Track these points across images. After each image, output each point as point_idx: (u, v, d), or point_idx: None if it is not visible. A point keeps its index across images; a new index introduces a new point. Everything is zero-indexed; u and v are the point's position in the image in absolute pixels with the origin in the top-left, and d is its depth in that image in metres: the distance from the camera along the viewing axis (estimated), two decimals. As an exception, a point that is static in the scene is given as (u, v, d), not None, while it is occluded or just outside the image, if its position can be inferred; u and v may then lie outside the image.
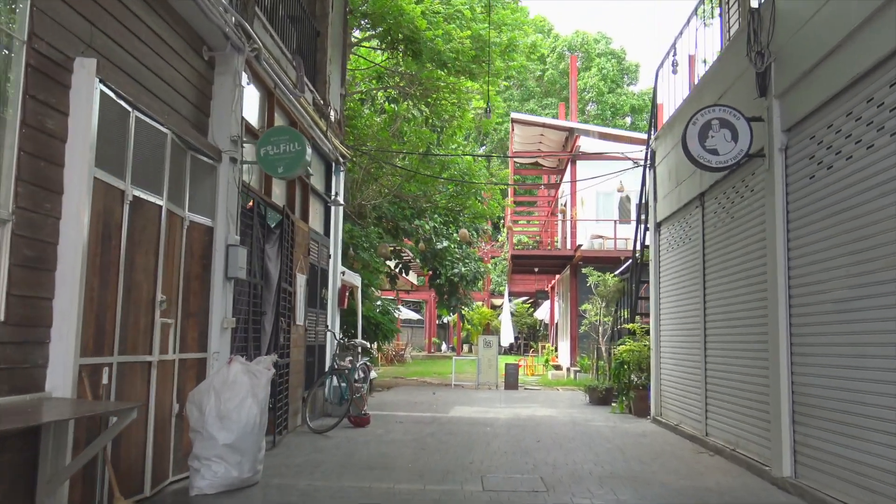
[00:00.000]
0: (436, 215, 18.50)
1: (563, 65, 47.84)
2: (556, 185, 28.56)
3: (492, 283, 44.56)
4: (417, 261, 19.36)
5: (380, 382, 19.66)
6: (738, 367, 7.82)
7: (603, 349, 20.47)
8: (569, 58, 50.66)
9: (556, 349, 28.29)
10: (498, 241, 38.96)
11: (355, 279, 12.79)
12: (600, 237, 22.37)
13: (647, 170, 11.38)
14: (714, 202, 8.70)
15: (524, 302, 40.85)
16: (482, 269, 18.36)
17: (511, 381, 17.42)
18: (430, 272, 18.75)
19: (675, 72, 10.40)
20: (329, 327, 11.02)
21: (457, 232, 18.72)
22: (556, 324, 32.97)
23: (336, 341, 10.87)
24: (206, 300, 6.54)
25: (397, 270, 19.05)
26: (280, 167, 6.96)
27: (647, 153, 11.83)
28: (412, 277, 27.67)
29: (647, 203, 11.52)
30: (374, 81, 16.64)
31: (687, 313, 9.36)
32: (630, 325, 10.98)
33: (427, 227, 17.44)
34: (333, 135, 10.78)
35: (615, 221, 22.09)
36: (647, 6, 77.95)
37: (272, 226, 8.46)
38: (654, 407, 10.42)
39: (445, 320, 45.48)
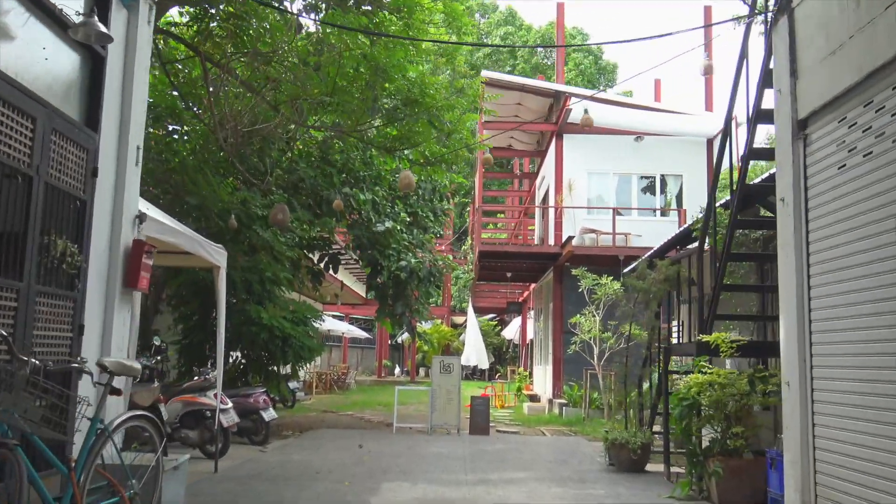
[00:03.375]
0: (377, 187, 13.17)
1: (535, 59, 43.35)
2: (533, 175, 23.52)
3: (452, 299, 39.32)
4: (351, 254, 14.01)
5: (294, 421, 14.07)
6: None
7: (600, 377, 15.36)
8: (540, 53, 46.44)
9: (531, 375, 23.05)
10: (461, 249, 33.80)
11: (210, 251, 7.36)
12: (593, 231, 17.32)
13: (769, 25, 6.07)
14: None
15: (490, 319, 35.63)
16: (440, 263, 13.09)
17: (479, 423, 12.08)
18: (368, 267, 13.42)
19: None
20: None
21: (406, 211, 13.39)
22: (530, 343, 27.76)
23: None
24: None
25: (321, 265, 13.63)
26: None
27: None
28: (355, 285, 22.14)
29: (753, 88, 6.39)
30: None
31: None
32: (707, 338, 5.77)
33: (362, 197, 12.10)
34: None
35: (613, 210, 17.07)
36: (625, 8, 74.74)
37: None
38: (795, 495, 5.16)
39: (399, 340, 39.88)
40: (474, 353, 23.68)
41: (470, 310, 24.78)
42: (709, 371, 5.85)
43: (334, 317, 33.51)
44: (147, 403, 7.37)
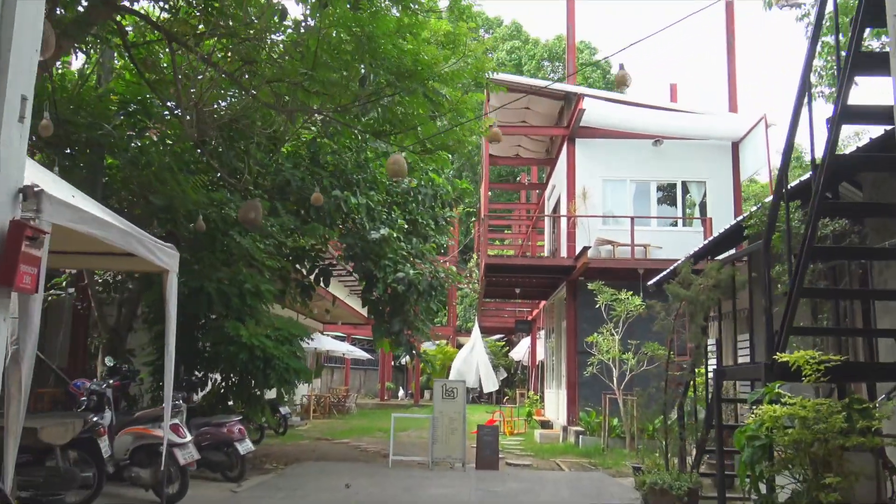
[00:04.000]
0: (371, 192, 11.89)
1: (542, 73, 42.38)
2: (542, 186, 22.22)
3: (458, 318, 37.87)
4: (344, 266, 12.71)
5: (282, 451, 12.67)
6: None
7: (620, 402, 13.90)
8: (546, 67, 45.47)
9: (542, 399, 21.56)
10: (466, 267, 32.44)
11: (154, 250, 6.04)
12: (609, 243, 15.96)
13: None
14: None
15: (498, 340, 34.14)
16: (441, 275, 11.72)
17: (487, 456, 10.63)
18: (363, 280, 12.09)
19: None
20: None
21: (404, 218, 12.06)
22: (540, 365, 26.27)
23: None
24: None
25: (311, 278, 12.30)
26: None
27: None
28: (353, 301, 20.76)
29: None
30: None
31: None
32: (786, 358, 4.40)
33: (354, 201, 10.79)
34: None
35: (632, 220, 15.71)
36: (633, 22, 73.91)
37: None
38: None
39: (403, 362, 38.39)
40: (481, 374, 22.22)
41: (476, 328, 23.35)
42: (789, 401, 4.48)
43: (336, 337, 32.15)
44: (61, 441, 6.00)
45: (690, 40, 67.13)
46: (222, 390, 11.19)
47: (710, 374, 6.91)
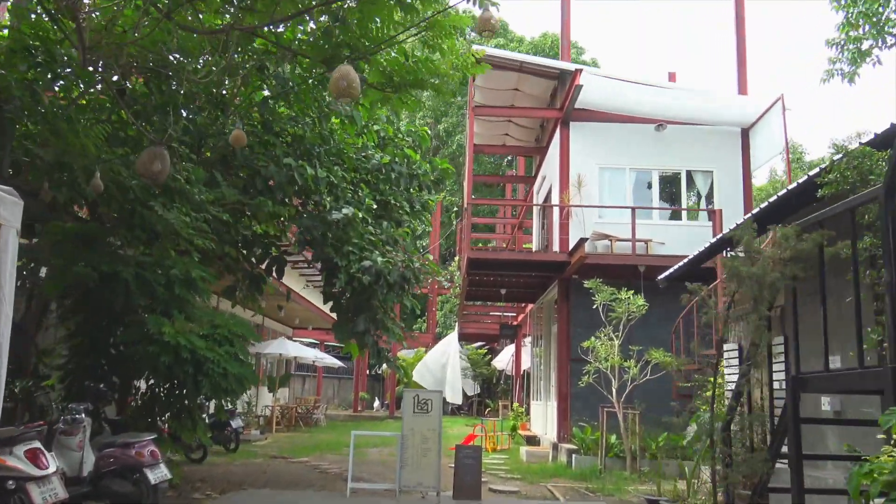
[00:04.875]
0: (335, 167, 10.02)
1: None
2: (530, 179, 20.46)
3: (438, 325, 35.94)
4: (300, 254, 10.78)
5: (224, 473, 10.70)
6: None
7: (620, 416, 12.08)
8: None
9: (528, 412, 19.71)
10: (447, 271, 30.52)
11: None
12: (607, 237, 14.23)
13: None
14: None
15: (479, 347, 32.28)
16: (416, 265, 9.80)
17: (467, 483, 8.71)
18: (322, 269, 10.22)
19: None
20: None
21: (372, 197, 10.17)
22: (525, 375, 24.44)
23: None
24: None
25: (263, 267, 10.38)
26: None
27: None
28: (316, 298, 18.66)
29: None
30: None
31: None
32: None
33: (310, 172, 8.90)
34: None
35: (633, 211, 13.97)
36: (620, 21, 72.86)
37: None
38: None
39: (379, 371, 36.32)
40: (454, 387, 20.34)
41: (454, 333, 21.48)
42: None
43: (308, 344, 30.06)
44: None
45: (691, 25, 65.19)
46: (142, 402, 9.22)
47: (775, 384, 5.12)
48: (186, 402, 9.22)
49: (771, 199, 4.85)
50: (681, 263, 9.79)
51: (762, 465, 4.74)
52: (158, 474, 7.17)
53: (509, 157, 36.88)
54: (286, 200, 9.35)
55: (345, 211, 9.22)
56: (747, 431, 5.27)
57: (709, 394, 10.47)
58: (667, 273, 10.09)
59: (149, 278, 8.15)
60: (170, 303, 8.42)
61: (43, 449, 5.58)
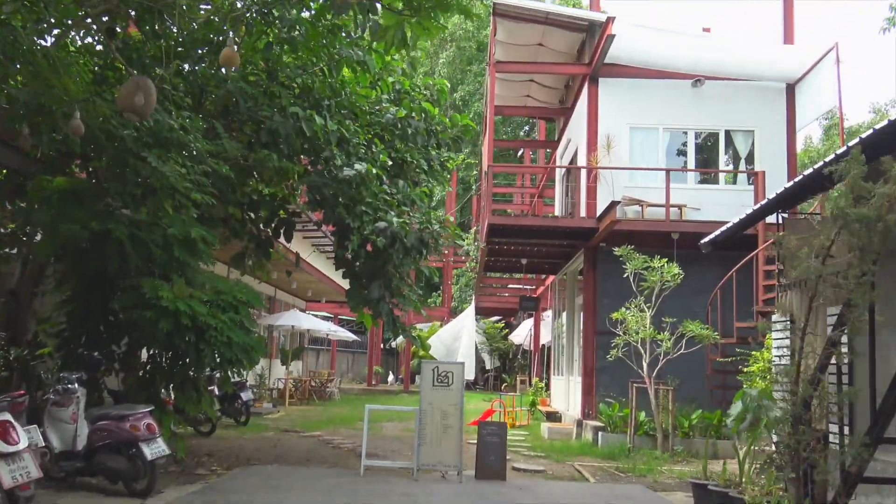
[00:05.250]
0: (347, 121, 9.20)
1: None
2: (552, 144, 19.51)
3: (453, 300, 35.23)
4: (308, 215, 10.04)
5: (233, 448, 10.11)
6: None
7: (651, 393, 11.30)
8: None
9: (548, 387, 19.02)
10: (462, 245, 29.74)
11: None
12: (638, 202, 13.34)
13: None
14: None
15: (497, 321, 31.61)
16: (435, 227, 8.98)
17: (491, 463, 7.99)
18: (333, 232, 9.47)
19: None
20: None
21: (387, 154, 9.34)
22: (545, 349, 23.73)
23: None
24: None
25: (269, 231, 9.64)
26: None
27: None
28: (322, 265, 17.79)
29: None
30: None
31: None
32: None
33: (319, 122, 8.08)
34: None
35: (666, 173, 13.06)
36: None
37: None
38: None
39: (393, 344, 35.77)
40: (468, 361, 19.64)
41: (471, 308, 20.75)
42: None
43: (322, 318, 29.47)
44: None
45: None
46: (144, 372, 8.57)
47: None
48: (192, 372, 8.58)
49: (880, 126, 3.94)
50: (731, 223, 8.89)
51: (863, 450, 3.93)
52: (156, 449, 6.50)
53: (527, 127, 35.79)
54: (293, 157, 8.55)
55: (357, 167, 8.40)
56: (838, 410, 4.45)
57: (756, 367, 9.69)
58: (712, 236, 9.19)
59: (145, 239, 7.43)
60: (168, 266, 7.70)
61: (13, 422, 4.91)
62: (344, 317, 32.41)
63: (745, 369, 10.47)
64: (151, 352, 8.64)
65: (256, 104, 8.54)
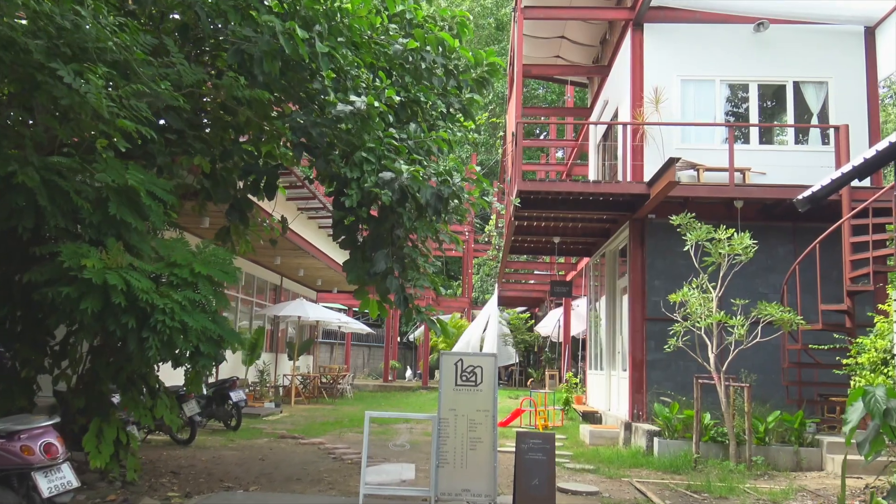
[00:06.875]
0: (344, 50, 7.21)
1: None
2: (584, 111, 17.41)
3: (474, 290, 33.24)
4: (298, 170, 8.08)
5: (208, 461, 8.21)
6: None
7: (721, 390, 9.16)
8: None
9: (583, 383, 16.98)
10: (484, 231, 27.69)
11: None
12: (694, 166, 11.27)
13: None
14: None
15: (521, 312, 29.57)
16: (457, 181, 7.02)
17: (535, 490, 5.96)
18: (329, 190, 7.54)
19: None
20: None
21: (395, 92, 7.35)
22: (575, 341, 21.65)
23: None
24: None
25: (242, 186, 7.73)
26: None
27: None
28: (331, 249, 15.92)
29: None
30: None
31: None
32: None
33: (301, 35, 6.12)
34: None
35: (729, 130, 10.96)
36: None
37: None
38: None
39: (411, 337, 33.86)
40: (485, 348, 17.65)
41: (494, 299, 18.76)
42: None
43: (337, 309, 27.63)
44: None
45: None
46: (84, 369, 6.70)
47: None
48: (144, 368, 6.69)
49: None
50: (831, 178, 6.85)
51: None
52: (57, 481, 4.61)
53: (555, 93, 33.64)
54: (271, 87, 6.59)
55: (355, 99, 6.44)
56: None
57: (866, 358, 7.61)
58: (810, 191, 7.16)
59: (66, 188, 5.54)
60: (102, 227, 5.81)
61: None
62: (358, 309, 30.62)
63: (845, 361, 8.41)
64: (94, 342, 6.78)
65: (226, 22, 6.61)
